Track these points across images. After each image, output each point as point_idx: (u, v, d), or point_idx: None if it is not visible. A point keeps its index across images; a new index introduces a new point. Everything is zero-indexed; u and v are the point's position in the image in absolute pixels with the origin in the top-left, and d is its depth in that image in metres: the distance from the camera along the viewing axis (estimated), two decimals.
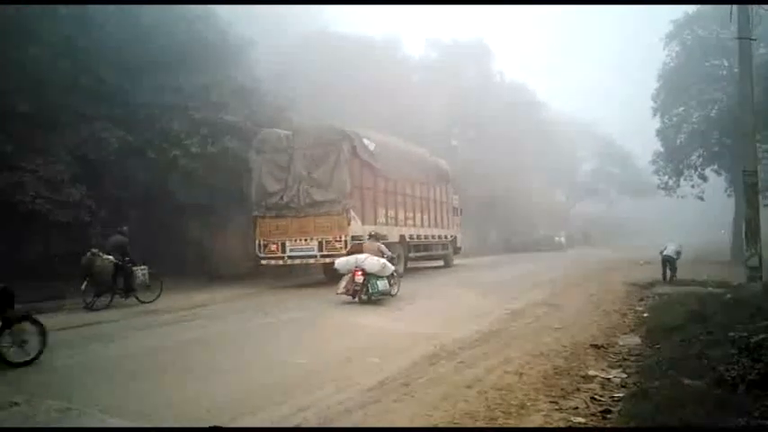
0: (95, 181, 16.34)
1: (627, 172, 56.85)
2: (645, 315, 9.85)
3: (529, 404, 4.95)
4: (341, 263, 12.57)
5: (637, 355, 6.86)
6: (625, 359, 6.70)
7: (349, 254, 13.73)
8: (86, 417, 4.69)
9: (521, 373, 5.94)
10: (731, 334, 6.42)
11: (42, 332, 6.86)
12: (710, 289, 12.91)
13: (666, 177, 29.37)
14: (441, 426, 4.47)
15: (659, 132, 28.83)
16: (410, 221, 19.54)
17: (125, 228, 13.52)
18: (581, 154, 58.34)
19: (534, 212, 46.16)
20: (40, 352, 6.75)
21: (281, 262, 16.54)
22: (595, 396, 5.21)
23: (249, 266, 19.37)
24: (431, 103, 33.34)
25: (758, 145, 15.80)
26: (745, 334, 6.21)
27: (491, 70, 44.19)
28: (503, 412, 4.74)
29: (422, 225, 20.47)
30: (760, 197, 12.11)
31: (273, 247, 16.49)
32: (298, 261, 16.61)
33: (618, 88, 77.16)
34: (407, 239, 18.99)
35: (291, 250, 16.27)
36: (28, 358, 6.60)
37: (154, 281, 13.34)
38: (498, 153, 38.54)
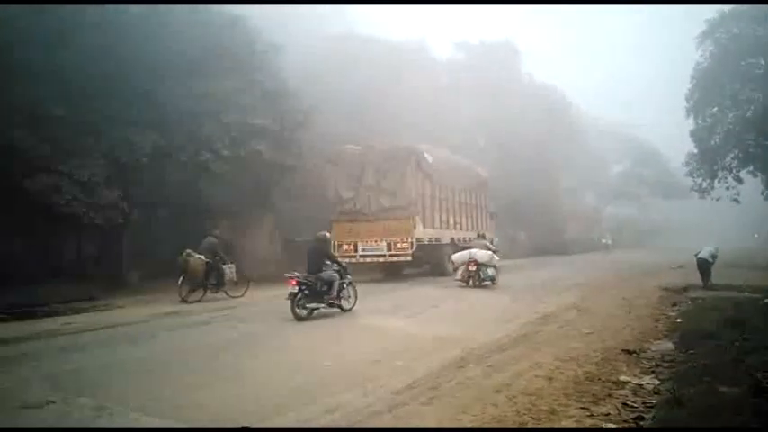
0: (128, 184, 16.66)
1: (659, 173, 55.64)
2: (678, 320, 9.61)
3: (559, 410, 4.86)
4: (457, 256, 16.13)
5: (670, 361, 6.69)
6: (658, 365, 6.54)
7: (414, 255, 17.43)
8: (118, 415, 4.79)
9: (550, 378, 5.84)
10: None
11: None
12: (747, 294, 12.57)
13: (700, 179, 28.66)
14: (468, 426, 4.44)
15: (693, 133, 28.16)
16: (458, 225, 21.33)
17: (217, 231, 15.46)
18: (612, 155, 57.35)
19: (563, 215, 45.55)
20: None
21: (353, 260, 17.66)
22: (628, 402, 5.10)
23: (273, 269, 19.64)
24: (459, 105, 33.18)
25: None
26: None
27: (519, 71, 43.74)
28: (532, 417, 4.67)
29: (466, 229, 21.90)
30: None
31: (347, 247, 18.29)
32: (368, 259, 18.37)
33: (650, 88, 75.63)
34: (455, 242, 20.22)
35: (363, 250, 18.23)
36: None
37: (241, 277, 14.73)
38: (527, 154, 38.12)
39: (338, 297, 10.92)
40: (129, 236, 16.43)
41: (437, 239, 19.28)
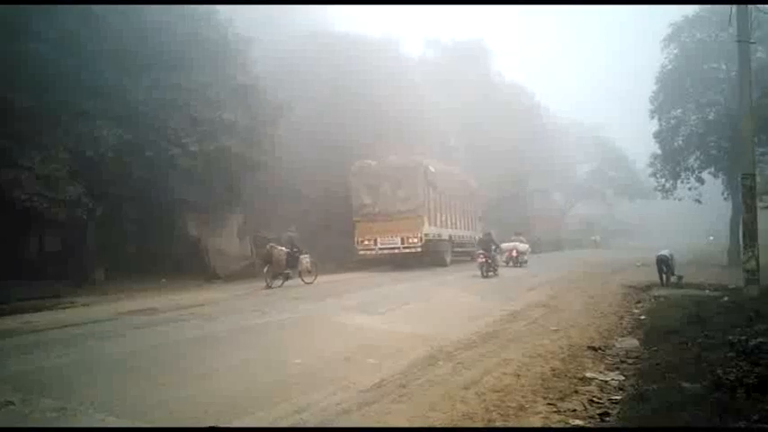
0: (92, 179, 16.23)
1: (625, 174, 56.82)
2: (642, 318, 9.83)
3: (527, 406, 4.93)
4: (505, 246, 23.54)
5: (635, 357, 6.84)
6: (623, 362, 6.68)
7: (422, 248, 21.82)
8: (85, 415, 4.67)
9: (518, 375, 5.92)
10: (729, 337, 6.41)
11: None
12: (708, 292, 12.91)
13: (663, 180, 29.25)
14: (438, 426, 4.46)
15: (657, 135, 28.72)
16: (453, 225, 25.79)
17: (294, 227, 17.96)
18: (579, 156, 58.29)
19: (532, 214, 46.24)
20: None
21: (373, 253, 22.45)
22: (593, 398, 5.19)
23: (242, 265, 19.53)
24: (429, 102, 33.26)
25: (756, 148, 15.78)
26: (744, 337, 6.21)
27: (490, 70, 44.15)
28: (500, 414, 4.72)
29: (460, 228, 26.77)
30: (757, 200, 12.06)
31: (368, 242, 22.42)
32: (386, 251, 22.36)
33: (617, 90, 77.16)
34: (452, 238, 25.22)
35: (381, 244, 22.26)
36: None
37: (313, 266, 17.17)
38: (497, 154, 38.49)
39: (496, 267, 19.17)
40: (93, 232, 16.01)
41: (439, 236, 23.42)
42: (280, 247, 16.19)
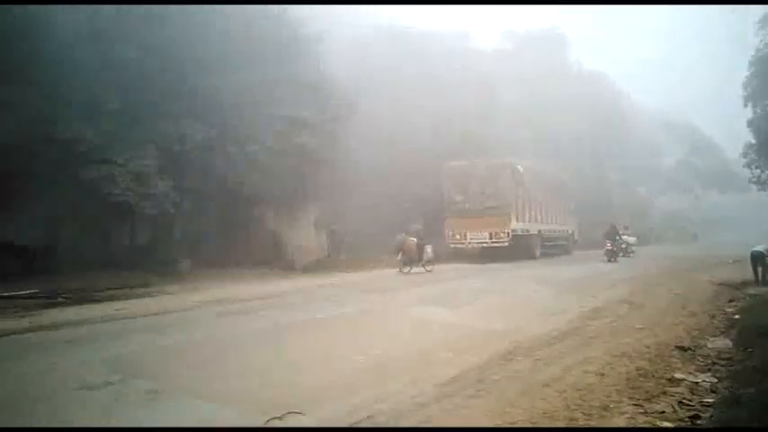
0: (178, 174, 17.06)
1: (715, 164, 53.36)
2: (736, 317, 9.23)
3: (612, 406, 4.73)
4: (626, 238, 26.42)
5: (727, 359, 6.43)
6: (714, 363, 6.28)
7: (510, 242, 23.15)
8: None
9: (602, 374, 5.69)
10: None
11: None
12: None
13: (759, 171, 27.39)
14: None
15: (751, 123, 26.89)
16: (543, 219, 26.99)
17: (421, 219, 20.14)
18: (663, 145, 55.22)
19: (613, 208, 44.33)
20: None
21: (463, 246, 23.90)
22: (683, 400, 4.92)
23: (318, 257, 19.98)
24: (503, 95, 32.61)
25: None
26: None
27: (567, 59, 42.63)
28: (584, 413, 4.56)
29: (550, 222, 28.03)
30: None
31: (458, 236, 23.87)
32: (476, 245, 23.86)
33: (705, 76, 72.40)
34: (541, 233, 26.54)
35: (471, 238, 23.73)
36: None
37: (435, 256, 18.99)
38: (575, 145, 37.21)
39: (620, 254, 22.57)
40: (179, 225, 16.84)
41: (527, 231, 24.71)
42: (411, 238, 18.15)
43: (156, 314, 9.94)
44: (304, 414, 4.50)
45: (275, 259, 19.43)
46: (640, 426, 4.37)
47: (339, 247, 22.93)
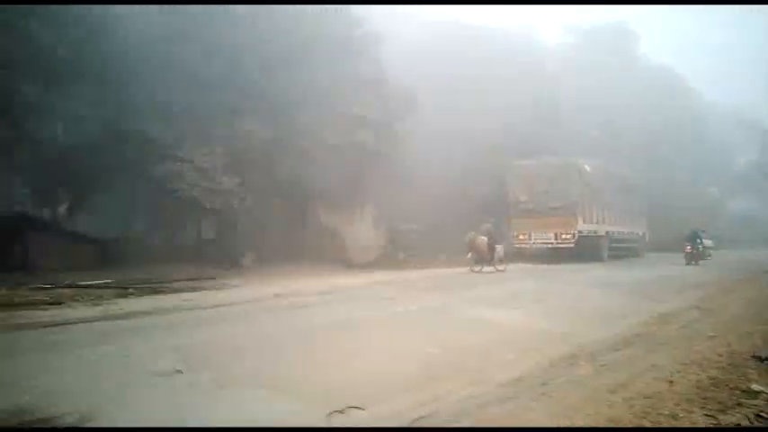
0: (243, 171, 17.53)
1: None
2: None
3: (682, 415, 4.45)
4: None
5: None
6: None
7: (575, 243, 22.79)
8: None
9: (671, 382, 5.36)
10: None
11: None
12: None
13: None
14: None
15: None
16: (611, 220, 26.30)
17: (492, 220, 19.64)
18: (735, 144, 52.15)
19: (681, 208, 42.33)
20: None
21: (527, 246, 23.76)
22: (761, 413, 4.60)
23: (376, 254, 20.08)
24: (569, 91, 31.74)
25: None
26: None
27: (634, 54, 41.00)
28: (652, 422, 4.34)
29: (618, 223, 27.12)
30: None
31: (522, 236, 23.69)
32: (540, 245, 23.73)
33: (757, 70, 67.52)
34: (609, 234, 25.79)
35: (535, 239, 23.56)
36: None
37: (505, 256, 18.86)
38: (642, 142, 35.77)
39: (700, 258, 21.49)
40: (243, 220, 17.29)
41: (594, 232, 24.20)
42: (482, 237, 18.12)
43: (221, 306, 10.18)
44: (364, 409, 4.48)
45: (334, 256, 19.64)
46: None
47: (398, 245, 22.96)
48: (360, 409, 4.45)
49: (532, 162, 24.12)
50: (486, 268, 17.90)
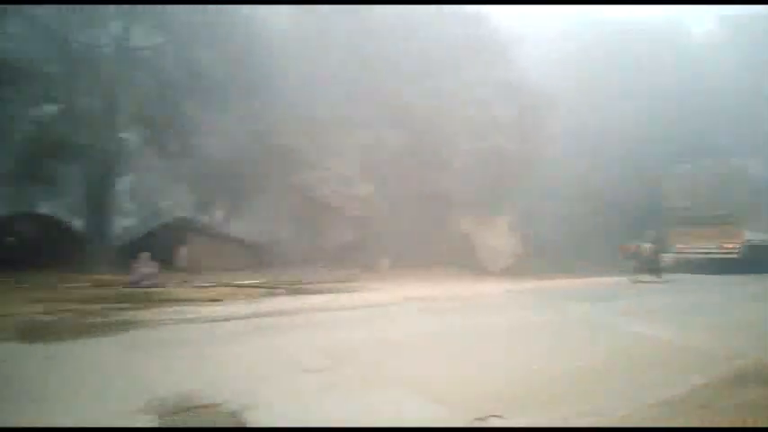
0: (379, 178, 18.06)
1: None
2: None
3: None
4: None
5: None
6: None
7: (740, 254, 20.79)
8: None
9: None
10: None
11: None
12: None
13: None
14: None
15: None
16: None
17: (657, 229, 19.99)
18: None
19: None
20: None
21: (687, 256, 22.17)
22: None
23: (513, 262, 19.60)
24: (724, 87, 28.69)
25: None
26: None
27: None
28: None
29: None
30: None
31: (682, 245, 22.26)
32: (701, 255, 22.01)
33: None
34: None
35: (697, 248, 22.13)
36: None
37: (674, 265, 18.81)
38: None
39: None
40: (378, 225, 17.80)
41: (765, 241, 21.86)
42: (645, 245, 17.98)
43: (362, 307, 10.55)
44: (504, 418, 4.39)
45: (467, 262, 19.50)
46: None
47: (535, 253, 22.15)
48: (500, 417, 4.37)
49: (691, 166, 22.96)
50: (645, 278, 17.08)
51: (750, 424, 4.39)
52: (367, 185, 17.04)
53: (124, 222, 23.26)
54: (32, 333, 7.42)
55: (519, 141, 19.00)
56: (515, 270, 19.30)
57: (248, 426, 3.98)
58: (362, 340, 7.33)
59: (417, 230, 20.63)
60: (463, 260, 19.61)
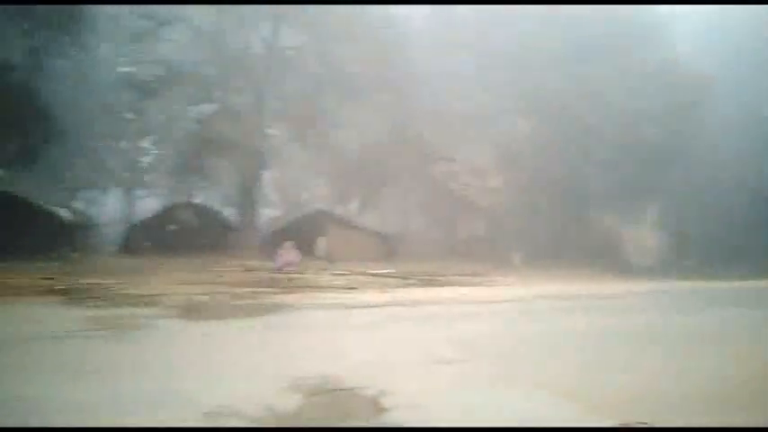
0: (513, 170, 17.59)
1: None
2: None
3: None
4: None
5: None
6: None
7: None
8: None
9: None
10: None
11: None
12: None
13: None
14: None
15: None
16: None
17: None
18: None
19: None
20: None
21: None
22: None
23: (660, 260, 18.16)
24: None
25: None
26: None
27: None
28: None
29: None
30: None
31: None
32: None
33: None
34: None
35: None
36: None
37: None
38: None
39: None
40: (512, 219, 17.37)
41: None
42: None
43: (492, 302, 10.34)
44: (649, 425, 4.05)
45: (608, 258, 18.34)
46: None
47: (685, 251, 20.17)
48: (645, 424, 4.05)
49: None
50: None
51: None
52: (501, 177, 16.68)
53: (269, 212, 24.85)
54: (192, 311, 8.23)
55: (668, 132, 17.49)
56: (662, 269, 17.76)
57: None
58: (494, 335, 7.18)
59: (554, 224, 19.82)
60: (604, 257, 18.47)
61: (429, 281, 13.35)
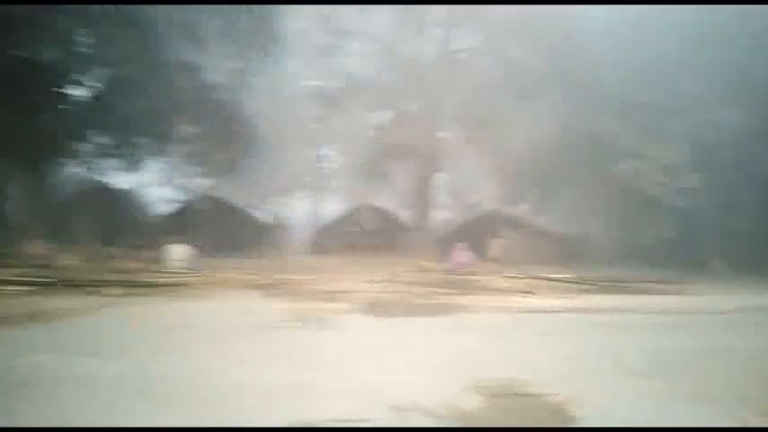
0: (710, 166, 15.76)
1: None
2: None
3: None
4: None
5: None
6: None
7: None
8: None
9: None
10: None
11: None
12: None
13: None
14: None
15: None
16: None
17: None
18: None
19: None
20: None
21: None
22: None
23: None
24: None
25: None
26: None
27: None
28: None
29: None
30: None
31: None
32: None
33: None
34: None
35: None
36: None
37: None
38: None
39: None
40: (710, 221, 15.57)
41: None
42: None
43: (689, 312, 9.39)
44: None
45: None
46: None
47: None
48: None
49: None
50: None
51: None
52: (695, 175, 15.00)
53: (442, 214, 25.29)
54: (377, 308, 8.75)
55: None
56: None
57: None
58: (692, 350, 6.52)
59: (761, 228, 17.40)
60: None
61: (611, 287, 12.55)
